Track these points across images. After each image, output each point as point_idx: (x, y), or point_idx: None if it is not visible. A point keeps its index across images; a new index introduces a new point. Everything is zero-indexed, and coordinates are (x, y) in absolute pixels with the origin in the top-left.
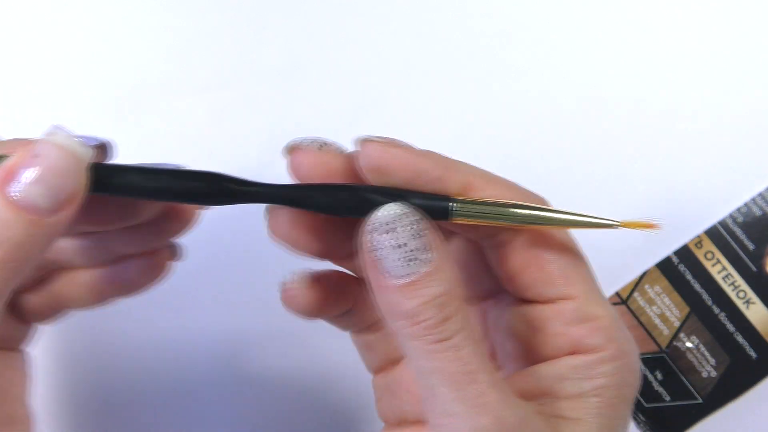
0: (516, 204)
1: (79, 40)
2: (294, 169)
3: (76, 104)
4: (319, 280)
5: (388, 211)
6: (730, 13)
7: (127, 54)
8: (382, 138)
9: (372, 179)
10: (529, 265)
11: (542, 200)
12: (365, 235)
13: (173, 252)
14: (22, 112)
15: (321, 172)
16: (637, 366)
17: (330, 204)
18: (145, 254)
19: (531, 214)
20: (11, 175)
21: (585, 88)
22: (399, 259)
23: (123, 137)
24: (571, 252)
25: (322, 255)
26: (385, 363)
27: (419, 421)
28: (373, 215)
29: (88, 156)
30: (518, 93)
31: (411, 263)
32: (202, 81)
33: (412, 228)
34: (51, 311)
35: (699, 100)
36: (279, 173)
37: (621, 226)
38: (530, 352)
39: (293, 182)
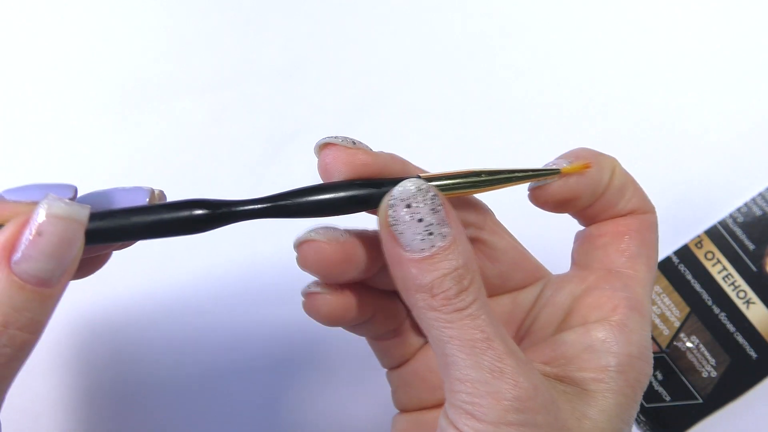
0: (471, 172)
1: (80, 40)
2: (326, 164)
3: (76, 105)
4: (340, 288)
5: (406, 187)
6: (731, 13)
7: (128, 55)
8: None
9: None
10: (610, 239)
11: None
12: (384, 211)
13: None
14: (24, 113)
15: (354, 167)
16: (652, 365)
17: (317, 205)
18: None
19: (486, 179)
20: (12, 253)
21: (585, 88)
22: (417, 233)
23: (124, 138)
24: (650, 246)
25: (353, 280)
26: (400, 362)
27: (437, 405)
28: (391, 192)
29: (86, 216)
30: (518, 93)
31: (429, 237)
32: (203, 82)
33: (428, 203)
34: None
35: (699, 100)
36: (279, 172)
37: (562, 171)
38: (563, 320)
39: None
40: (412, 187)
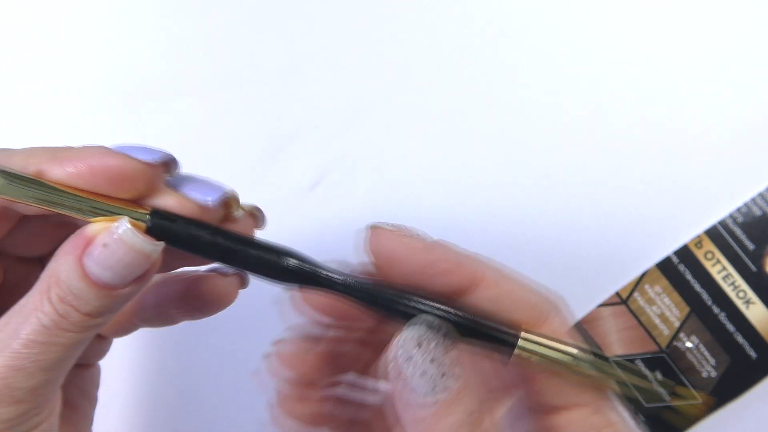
0: (577, 351)
1: (80, 41)
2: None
3: (76, 105)
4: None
5: (417, 325)
6: (731, 13)
7: (126, 55)
8: (393, 226)
9: (379, 267)
10: (544, 374)
11: (556, 302)
12: (392, 350)
13: (241, 278)
14: (24, 113)
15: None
16: None
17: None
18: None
19: (593, 366)
20: (89, 248)
21: (585, 87)
22: (425, 377)
23: (123, 138)
24: None
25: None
26: None
27: None
28: (402, 329)
29: (156, 251)
30: (519, 93)
31: (431, 388)
32: (201, 82)
33: (438, 347)
34: (123, 328)
35: (699, 100)
36: (280, 173)
37: (676, 408)
38: None
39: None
40: (422, 328)
